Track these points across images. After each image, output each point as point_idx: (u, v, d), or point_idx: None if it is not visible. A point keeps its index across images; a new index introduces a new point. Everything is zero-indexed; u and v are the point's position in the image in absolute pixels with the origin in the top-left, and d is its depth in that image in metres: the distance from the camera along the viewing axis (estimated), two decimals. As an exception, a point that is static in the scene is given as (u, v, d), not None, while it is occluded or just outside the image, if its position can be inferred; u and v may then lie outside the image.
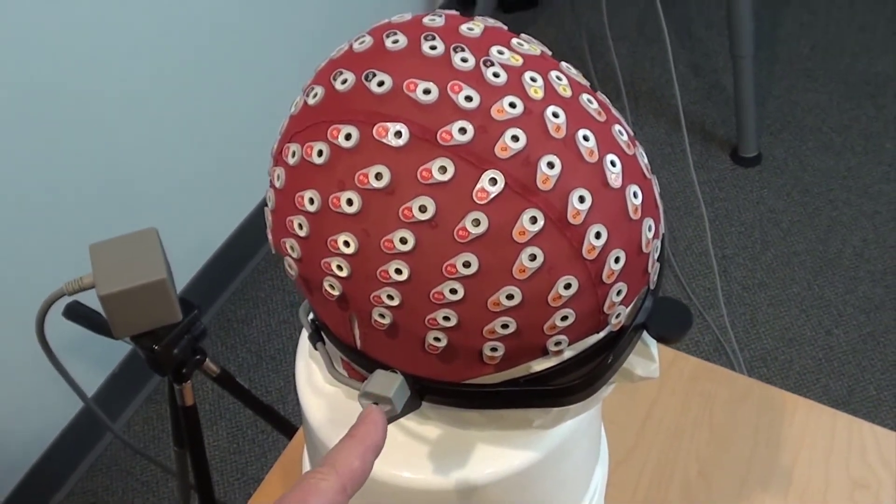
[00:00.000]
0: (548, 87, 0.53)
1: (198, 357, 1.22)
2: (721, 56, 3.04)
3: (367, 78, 0.53)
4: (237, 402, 2.23)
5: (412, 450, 0.64)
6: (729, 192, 2.65)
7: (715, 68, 3.02)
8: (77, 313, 1.21)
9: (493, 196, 0.50)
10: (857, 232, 2.52)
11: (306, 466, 0.79)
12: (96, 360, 2.13)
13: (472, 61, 0.52)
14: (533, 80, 0.53)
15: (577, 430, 0.67)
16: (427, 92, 0.51)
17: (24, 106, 1.75)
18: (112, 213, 2.02)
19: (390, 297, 0.53)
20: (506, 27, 0.58)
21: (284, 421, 1.56)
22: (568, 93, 0.54)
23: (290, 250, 0.57)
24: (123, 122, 2.00)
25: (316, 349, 0.64)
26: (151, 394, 2.31)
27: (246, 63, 2.30)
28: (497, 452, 0.64)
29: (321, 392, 0.68)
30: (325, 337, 0.63)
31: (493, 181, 0.50)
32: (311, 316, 0.65)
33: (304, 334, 0.71)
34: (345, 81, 0.54)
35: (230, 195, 2.43)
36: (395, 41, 0.54)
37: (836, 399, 2.14)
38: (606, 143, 0.54)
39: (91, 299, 1.09)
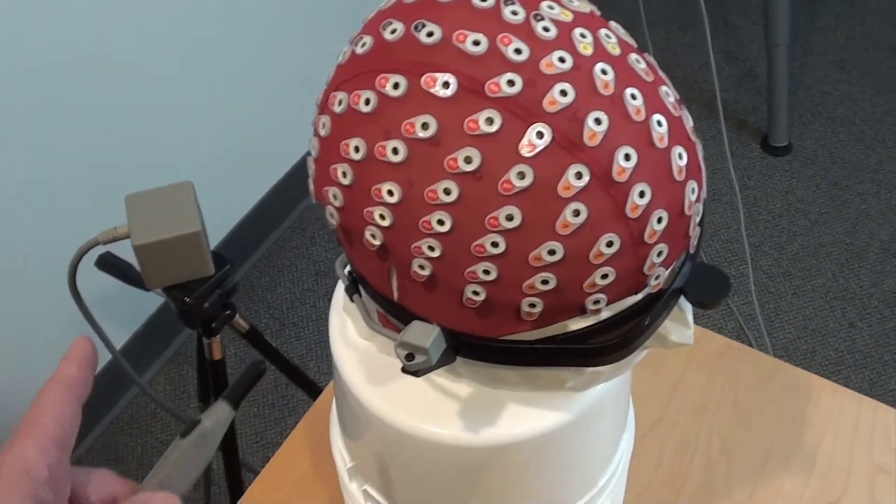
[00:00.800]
0: (597, 44, 0.53)
1: (228, 312, 1.23)
2: (755, 45, 3.03)
3: (416, 28, 0.53)
4: (258, 367, 2.24)
5: (442, 406, 0.64)
6: (758, 181, 2.64)
7: (748, 56, 3.00)
8: (110, 264, 1.22)
9: (539, 150, 0.50)
10: (885, 226, 2.51)
11: (334, 424, 0.79)
12: (121, 319, 2.15)
13: (522, 14, 0.52)
14: (583, 36, 0.53)
15: (608, 395, 0.67)
16: (476, 43, 0.51)
17: (68, 67, 1.77)
18: (146, 172, 2.03)
19: (431, 249, 0.53)
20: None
21: (310, 381, 1.57)
22: (617, 51, 0.54)
23: (332, 199, 0.57)
24: (162, 85, 2.01)
25: (352, 301, 0.64)
26: (174, 355, 2.32)
27: (283, 27, 2.30)
28: (527, 412, 0.64)
29: (354, 346, 0.68)
30: (361, 289, 0.63)
31: (540, 135, 0.50)
32: (347, 269, 0.65)
33: (339, 288, 0.72)
34: (394, 31, 0.54)
35: (257, 164, 2.44)
36: (445, -8, 0.54)
37: (856, 391, 2.13)
38: (653, 102, 0.53)
39: (125, 251, 1.09)
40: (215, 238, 2.35)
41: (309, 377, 1.58)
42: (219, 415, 0.61)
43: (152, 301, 2.18)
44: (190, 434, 0.61)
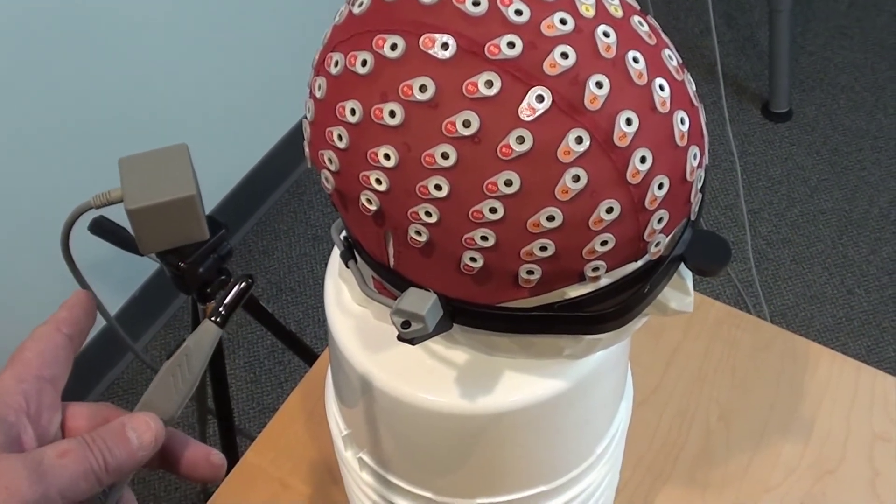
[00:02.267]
0: (599, 5, 0.52)
1: (223, 277, 1.22)
2: (757, 10, 3.01)
3: (415, -13, 0.52)
4: (254, 332, 2.24)
5: (439, 373, 0.64)
6: (758, 147, 2.63)
7: (749, 22, 2.99)
8: (103, 228, 1.21)
9: (539, 113, 0.49)
10: (884, 193, 2.50)
11: (329, 392, 0.79)
12: (116, 284, 2.14)
13: (523, -25, 0.51)
14: (585, -3, 0.52)
15: (606, 362, 0.66)
16: (476, 4, 0.50)
17: (59, 26, 1.75)
18: (140, 136, 2.02)
19: (428, 214, 0.52)
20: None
21: (306, 347, 1.57)
22: (619, 13, 0.53)
23: (327, 163, 0.56)
24: (156, 46, 2.00)
25: (347, 267, 0.63)
26: (170, 320, 2.32)
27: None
28: (525, 380, 0.63)
29: (349, 312, 0.68)
30: (357, 255, 0.62)
31: (540, 98, 0.49)
32: (343, 234, 0.64)
33: (335, 254, 0.71)
34: (392, -10, 0.53)
35: (254, 126, 2.42)
36: (444, -48, 0.53)
37: (854, 359, 2.13)
38: (656, 66, 0.52)
39: (118, 215, 1.08)
40: (211, 202, 2.34)
41: (305, 343, 1.58)
42: (202, 334, 0.60)
43: (147, 266, 2.17)
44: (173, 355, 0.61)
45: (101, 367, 2.20)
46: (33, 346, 0.56)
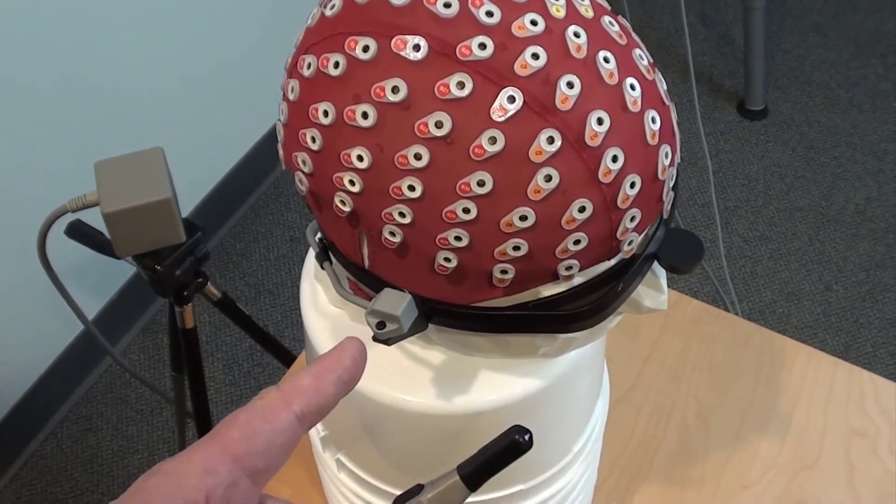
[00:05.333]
0: (570, 6, 0.52)
1: (200, 280, 1.22)
2: (732, 8, 3.02)
3: (386, -10, 0.52)
4: (233, 335, 2.24)
5: (415, 374, 0.64)
6: (734, 145, 2.64)
7: (724, 20, 3.00)
8: (80, 231, 1.21)
9: (510, 114, 0.49)
10: (860, 189, 2.52)
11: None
12: (93, 288, 2.13)
13: (494, -23, 0.51)
14: (555, -2, 0.52)
15: (582, 361, 0.66)
16: (447, 6, 0.50)
17: (33, 26, 1.74)
18: (116, 139, 2.02)
19: (402, 215, 0.52)
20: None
21: (283, 349, 1.56)
22: (590, 13, 0.53)
23: (301, 165, 0.56)
24: (132, 48, 1.99)
25: (323, 269, 0.63)
26: (148, 323, 2.31)
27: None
28: (501, 379, 0.63)
29: (326, 314, 0.68)
30: (332, 256, 0.63)
31: (512, 99, 0.49)
32: (318, 235, 0.64)
33: (310, 255, 0.71)
34: (364, -7, 0.53)
35: (231, 128, 2.42)
36: (416, -46, 0.53)
37: (832, 354, 2.14)
38: (627, 66, 0.53)
39: (95, 218, 1.08)
40: (189, 204, 2.33)
41: (283, 345, 1.58)
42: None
43: (125, 270, 2.16)
44: None
45: (79, 372, 2.19)
46: (246, 422, 0.43)
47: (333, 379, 0.46)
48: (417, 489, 0.48)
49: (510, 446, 0.48)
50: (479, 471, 0.48)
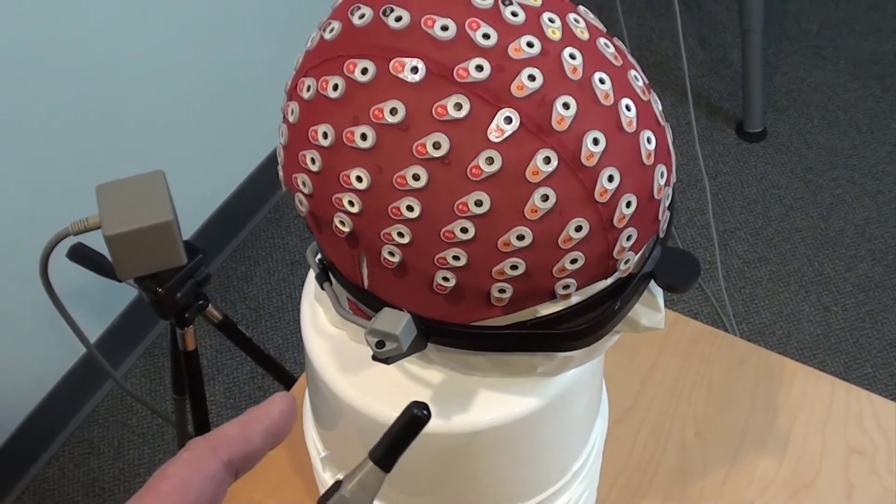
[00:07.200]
0: (565, 28, 0.53)
1: (201, 302, 1.23)
2: (729, 30, 3.03)
3: (384, 13, 0.53)
4: (234, 358, 2.24)
5: (414, 393, 0.64)
6: (733, 167, 2.65)
7: (723, 43, 3.01)
8: (81, 255, 1.21)
9: (507, 135, 0.50)
10: (859, 210, 2.52)
11: (307, 414, 0.79)
12: (94, 311, 2.14)
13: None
14: (551, 20, 0.53)
15: (580, 380, 0.67)
16: (445, 28, 0.51)
17: (36, 49, 1.75)
18: (118, 162, 2.02)
19: (401, 235, 0.53)
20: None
21: (285, 372, 1.57)
22: (585, 35, 0.54)
23: (301, 186, 0.57)
24: (134, 73, 2.00)
25: (323, 289, 0.64)
26: (149, 347, 2.31)
27: (259, 12, 2.29)
28: (499, 398, 0.64)
29: (326, 334, 0.68)
30: (332, 277, 0.63)
31: (509, 120, 0.50)
32: (318, 256, 0.65)
33: (311, 276, 0.71)
34: (362, 16, 0.54)
35: (233, 153, 2.43)
36: (414, -23, 0.54)
37: (832, 375, 2.14)
38: (622, 87, 0.53)
39: (96, 242, 1.09)
40: (191, 228, 2.34)
41: (284, 367, 1.58)
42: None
43: (127, 292, 2.17)
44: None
45: (81, 395, 2.19)
46: (174, 473, 0.43)
47: (260, 430, 0.46)
48: (337, 485, 0.50)
49: (410, 421, 0.50)
50: (388, 451, 0.50)
